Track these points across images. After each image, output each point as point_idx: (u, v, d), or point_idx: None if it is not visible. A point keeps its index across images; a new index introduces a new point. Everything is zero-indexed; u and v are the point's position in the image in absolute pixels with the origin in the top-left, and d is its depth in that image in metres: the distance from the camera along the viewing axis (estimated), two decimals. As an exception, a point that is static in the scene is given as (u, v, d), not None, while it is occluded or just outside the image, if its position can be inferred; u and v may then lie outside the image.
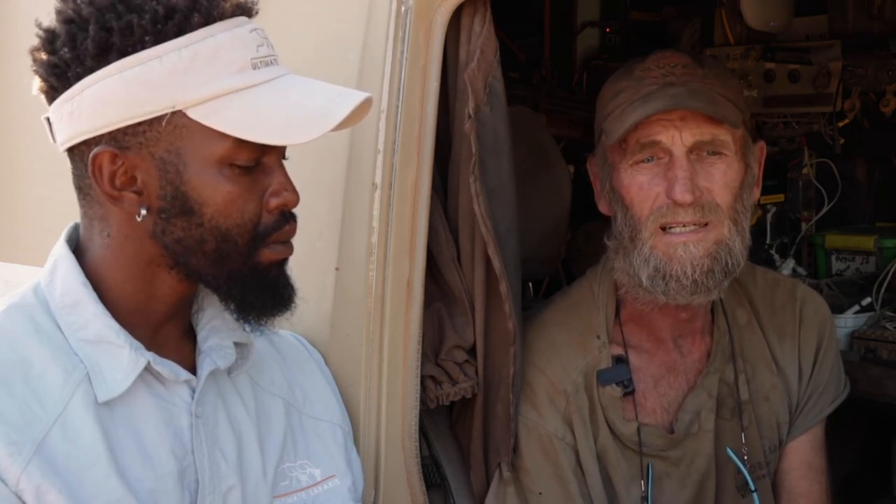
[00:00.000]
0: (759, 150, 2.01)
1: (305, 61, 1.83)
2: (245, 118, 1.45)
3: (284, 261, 1.57)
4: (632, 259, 1.90)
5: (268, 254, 1.53)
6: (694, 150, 1.87)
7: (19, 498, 1.39)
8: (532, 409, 1.95)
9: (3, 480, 1.38)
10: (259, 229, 1.51)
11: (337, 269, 1.82)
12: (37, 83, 1.51)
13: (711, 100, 1.87)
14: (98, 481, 1.44)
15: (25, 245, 2.41)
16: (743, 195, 1.92)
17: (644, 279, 1.88)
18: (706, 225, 1.87)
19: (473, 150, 1.77)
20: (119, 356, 1.49)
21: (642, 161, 1.89)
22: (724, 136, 1.88)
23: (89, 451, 1.45)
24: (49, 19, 1.49)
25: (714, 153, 1.88)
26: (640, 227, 1.88)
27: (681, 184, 1.84)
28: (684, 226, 1.86)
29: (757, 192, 2.00)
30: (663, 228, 1.87)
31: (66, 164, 1.54)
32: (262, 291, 1.54)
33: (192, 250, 1.50)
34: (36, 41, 1.50)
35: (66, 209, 1.58)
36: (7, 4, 2.42)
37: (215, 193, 1.47)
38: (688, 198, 1.83)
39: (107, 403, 1.48)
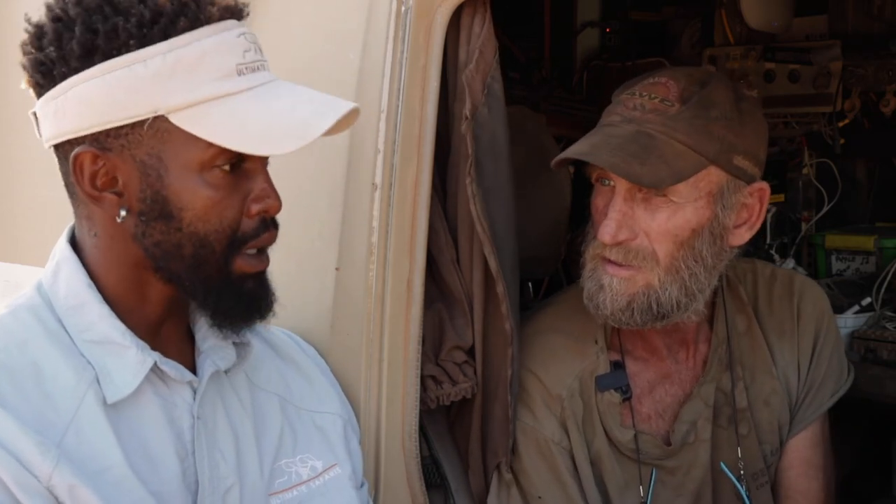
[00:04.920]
0: (758, 191, 1.89)
1: (306, 61, 1.83)
2: (226, 126, 1.44)
3: (260, 274, 1.55)
4: (582, 273, 1.91)
5: (241, 264, 1.51)
6: (640, 188, 1.81)
7: (51, 493, 1.38)
8: (528, 414, 1.95)
9: (35, 476, 1.38)
10: (237, 235, 1.50)
11: (337, 269, 1.82)
12: (25, 77, 1.50)
13: (647, 149, 1.77)
14: (117, 484, 1.43)
15: (25, 245, 2.40)
16: (696, 244, 1.83)
17: (584, 297, 1.89)
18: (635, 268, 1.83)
19: (469, 151, 1.77)
20: (126, 356, 1.49)
21: (600, 182, 1.88)
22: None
23: (105, 454, 1.44)
24: (39, 14, 1.48)
25: (661, 196, 1.81)
26: (589, 246, 1.89)
27: (605, 224, 1.82)
28: (616, 264, 1.84)
29: (747, 236, 1.91)
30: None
31: (64, 163, 1.53)
32: (236, 302, 1.53)
33: (171, 255, 1.49)
34: (25, 36, 1.49)
35: (66, 209, 1.58)
36: (7, 5, 2.41)
37: (195, 198, 1.46)
38: (606, 239, 1.81)
39: (114, 405, 1.47)
